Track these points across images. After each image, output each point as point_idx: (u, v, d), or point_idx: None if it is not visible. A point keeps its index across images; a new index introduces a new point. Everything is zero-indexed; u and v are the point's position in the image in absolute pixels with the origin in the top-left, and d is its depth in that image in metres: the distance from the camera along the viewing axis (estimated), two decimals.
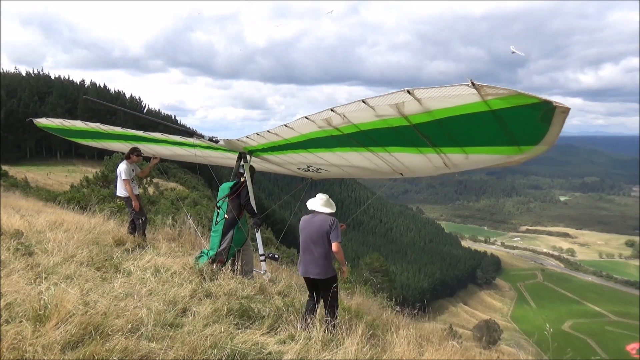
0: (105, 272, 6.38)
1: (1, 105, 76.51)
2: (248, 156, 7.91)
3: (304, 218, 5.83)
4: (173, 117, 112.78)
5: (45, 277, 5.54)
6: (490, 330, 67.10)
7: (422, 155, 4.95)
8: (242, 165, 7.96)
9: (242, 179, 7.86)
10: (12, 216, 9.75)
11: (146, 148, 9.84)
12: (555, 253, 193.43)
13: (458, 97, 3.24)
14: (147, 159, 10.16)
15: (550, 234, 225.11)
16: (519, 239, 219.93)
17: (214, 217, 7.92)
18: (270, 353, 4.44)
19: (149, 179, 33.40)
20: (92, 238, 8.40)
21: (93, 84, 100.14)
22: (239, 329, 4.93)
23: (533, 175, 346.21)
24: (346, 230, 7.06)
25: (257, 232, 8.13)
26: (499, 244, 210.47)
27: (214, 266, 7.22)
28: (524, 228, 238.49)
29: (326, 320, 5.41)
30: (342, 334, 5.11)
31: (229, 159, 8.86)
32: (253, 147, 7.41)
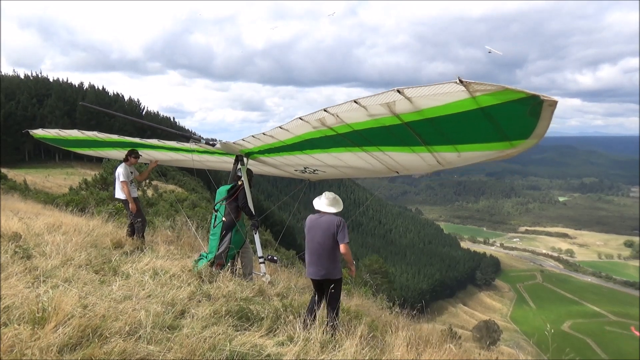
0: (104, 275, 6.38)
1: (0, 107, 76.43)
2: (245, 159, 7.91)
3: (309, 217, 5.76)
4: (172, 119, 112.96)
5: (44, 280, 5.53)
6: (489, 330, 67.16)
7: (415, 155, 4.98)
8: (240, 168, 7.97)
9: (240, 182, 7.86)
10: (10, 219, 9.74)
11: (144, 154, 9.82)
12: (555, 254, 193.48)
13: (447, 95, 3.26)
14: (145, 162, 10.16)
15: (549, 234, 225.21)
16: (518, 239, 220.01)
17: (212, 220, 7.92)
18: (269, 355, 4.44)
19: (147, 181, 33.36)
20: (90, 241, 8.40)
21: (92, 87, 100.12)
22: (237, 330, 4.93)
23: (532, 176, 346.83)
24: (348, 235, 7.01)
25: (256, 234, 8.12)
26: (498, 244, 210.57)
27: (213, 269, 7.22)
28: (523, 229, 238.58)
29: (327, 321, 5.40)
30: (341, 335, 5.11)
31: (226, 162, 8.87)
32: (250, 150, 7.41)
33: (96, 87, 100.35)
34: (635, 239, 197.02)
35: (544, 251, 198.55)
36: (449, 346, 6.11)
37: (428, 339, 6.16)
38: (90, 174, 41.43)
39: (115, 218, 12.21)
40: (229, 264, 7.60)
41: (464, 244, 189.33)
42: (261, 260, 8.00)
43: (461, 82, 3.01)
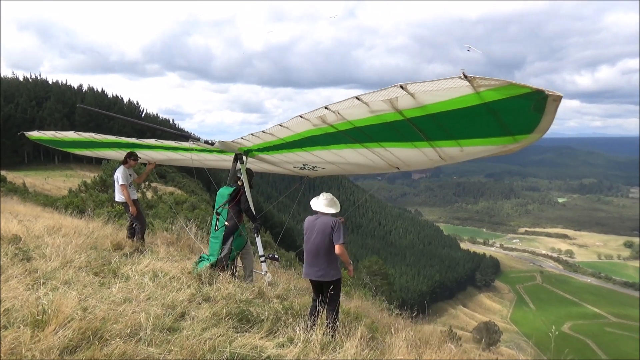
0: (104, 277, 6.37)
1: (0, 110, 76.42)
2: (244, 157, 7.89)
3: (307, 219, 5.77)
4: (171, 121, 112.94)
5: (44, 283, 5.54)
6: (489, 332, 67.09)
7: (417, 150, 4.95)
8: (239, 168, 7.95)
9: (240, 182, 7.85)
10: (10, 221, 9.74)
11: (142, 154, 9.82)
12: (554, 255, 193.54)
13: (451, 90, 3.24)
14: (144, 163, 10.16)
15: (548, 235, 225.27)
16: (517, 240, 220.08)
17: (213, 223, 7.91)
18: (269, 356, 4.44)
19: (147, 183, 33.37)
20: (90, 243, 8.39)
21: (91, 89, 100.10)
22: (237, 332, 4.92)
23: (531, 177, 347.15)
24: (346, 233, 7.00)
25: (257, 236, 8.12)
26: (498, 245, 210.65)
27: (216, 271, 7.21)
28: (522, 230, 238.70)
29: (327, 323, 5.40)
30: (341, 337, 5.11)
31: (225, 161, 8.84)
32: (248, 148, 7.39)
33: (95, 90, 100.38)
34: (635, 239, 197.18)
35: (543, 252, 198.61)
36: (450, 346, 6.12)
37: (428, 340, 6.16)
38: (89, 176, 41.44)
39: (114, 220, 12.21)
40: (230, 266, 7.60)
41: (464, 245, 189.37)
42: (262, 259, 8.00)
43: (465, 77, 2.99)
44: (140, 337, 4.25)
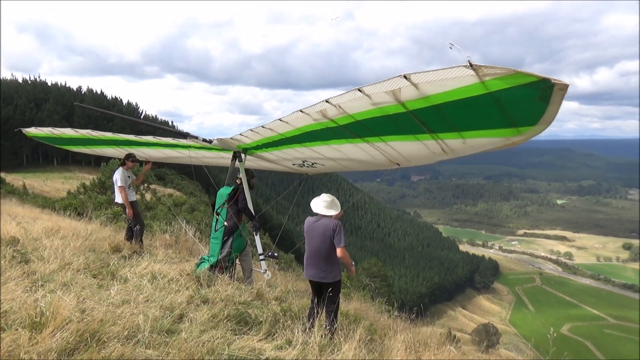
0: (102, 279, 6.36)
1: (1, 112, 76.33)
2: (243, 155, 7.86)
3: (307, 220, 5.76)
4: (170, 123, 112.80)
5: (42, 285, 5.53)
6: (489, 334, 67.13)
7: (419, 143, 4.89)
8: (238, 167, 7.93)
9: (239, 182, 7.84)
10: (8, 223, 9.72)
11: (139, 152, 9.79)
12: (553, 257, 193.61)
13: (455, 80, 3.20)
14: (142, 163, 10.15)
15: (547, 237, 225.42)
16: (516, 242, 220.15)
17: (213, 224, 7.91)
18: (267, 359, 4.43)
19: (146, 184, 33.35)
20: (88, 245, 8.39)
21: (90, 91, 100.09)
22: (236, 334, 4.91)
23: (530, 179, 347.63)
24: (346, 236, 6.95)
25: (256, 235, 8.11)
26: (497, 247, 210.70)
27: (215, 273, 7.20)
28: (521, 232, 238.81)
29: (325, 325, 5.40)
30: (340, 339, 5.10)
31: (223, 158, 8.78)
32: (247, 145, 7.35)
33: (94, 91, 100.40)
34: (634, 241, 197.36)
35: (542, 254, 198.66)
36: (449, 348, 6.11)
37: (427, 342, 6.15)
38: (88, 178, 41.39)
39: (113, 222, 12.20)
40: (229, 268, 7.59)
41: (463, 247, 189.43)
42: (262, 257, 7.98)
43: (471, 65, 2.94)
44: (138, 340, 4.24)
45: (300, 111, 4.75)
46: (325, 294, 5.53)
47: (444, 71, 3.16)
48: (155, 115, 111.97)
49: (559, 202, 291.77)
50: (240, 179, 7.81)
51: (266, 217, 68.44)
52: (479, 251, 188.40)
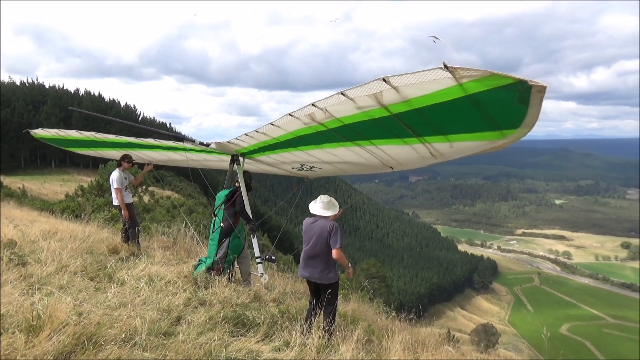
0: (99, 282, 6.35)
1: (1, 114, 76.22)
2: (241, 159, 7.88)
3: (305, 221, 5.77)
4: (168, 125, 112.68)
5: (39, 288, 5.52)
6: (488, 334, 67.02)
7: (407, 147, 4.87)
8: (236, 170, 7.95)
9: (237, 184, 7.86)
10: (5, 226, 9.70)
11: (142, 154, 9.84)
12: (552, 256, 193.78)
13: (434, 83, 3.15)
14: (142, 166, 10.15)
15: (546, 237, 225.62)
16: (515, 242, 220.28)
17: (211, 226, 7.92)
18: None
19: (144, 187, 33.32)
20: (86, 247, 8.37)
21: (87, 93, 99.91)
22: (233, 336, 4.91)
23: (528, 179, 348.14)
24: (343, 236, 6.91)
25: (253, 238, 8.11)
26: (495, 247, 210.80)
27: (212, 275, 7.20)
28: (519, 231, 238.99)
29: (323, 326, 5.40)
30: (338, 340, 5.10)
31: (224, 161, 8.82)
32: (245, 149, 7.38)
33: (92, 93, 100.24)
34: (632, 240, 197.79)
35: (541, 253, 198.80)
36: (447, 349, 6.12)
37: (425, 342, 6.16)
38: (86, 180, 41.29)
39: (111, 224, 12.17)
40: (226, 270, 7.59)
41: (461, 247, 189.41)
42: (259, 260, 7.99)
43: (446, 67, 2.88)
44: (136, 342, 4.24)
45: (290, 115, 4.71)
46: (323, 296, 5.53)
47: (422, 74, 3.12)
48: (153, 117, 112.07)
49: (557, 201, 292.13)
50: (239, 181, 7.83)
51: (264, 219, 68.41)
52: (477, 251, 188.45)
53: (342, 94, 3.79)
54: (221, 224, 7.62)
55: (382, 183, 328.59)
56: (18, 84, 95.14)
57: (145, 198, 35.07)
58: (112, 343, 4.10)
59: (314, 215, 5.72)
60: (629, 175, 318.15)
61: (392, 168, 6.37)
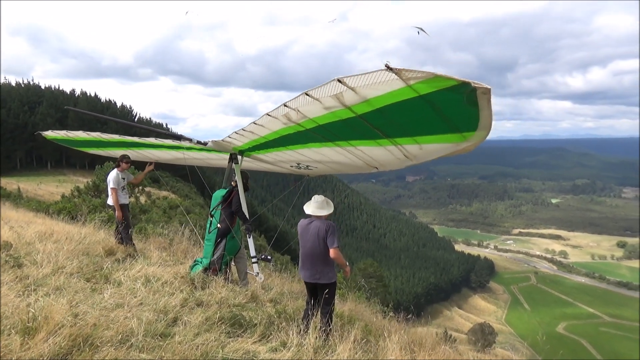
0: (96, 283, 6.33)
1: (0, 115, 75.91)
2: (239, 157, 7.88)
3: (301, 223, 5.77)
4: (165, 126, 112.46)
5: (34, 289, 5.50)
6: (485, 333, 67.19)
7: (382, 148, 4.84)
8: (234, 169, 7.94)
9: (234, 184, 7.86)
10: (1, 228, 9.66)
11: (147, 153, 9.92)
12: (548, 255, 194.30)
13: (385, 84, 3.10)
14: (139, 166, 10.17)
15: (542, 236, 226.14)
16: (511, 242, 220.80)
17: (207, 226, 7.92)
18: None
19: (141, 187, 33.22)
20: (82, 248, 8.33)
21: (83, 94, 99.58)
22: (230, 337, 4.91)
23: (525, 179, 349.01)
24: (340, 237, 6.97)
25: (250, 238, 8.11)
26: (492, 247, 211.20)
27: (208, 275, 7.20)
28: (516, 231, 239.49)
29: (321, 326, 5.40)
30: (335, 340, 5.10)
31: (225, 159, 8.86)
32: (241, 147, 7.38)
33: (88, 94, 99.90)
34: (628, 239, 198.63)
35: (537, 253, 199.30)
36: (444, 348, 6.13)
37: (422, 342, 6.17)
38: (82, 181, 41.14)
39: (107, 226, 12.14)
40: (223, 270, 7.59)
41: (458, 247, 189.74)
42: (254, 260, 7.99)
43: (390, 69, 2.85)
44: (132, 343, 4.23)
45: (268, 114, 4.69)
46: (321, 296, 5.53)
47: (370, 75, 3.08)
48: (150, 118, 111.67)
49: (554, 201, 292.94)
50: (236, 181, 7.82)
51: (261, 219, 68.34)
52: (474, 251, 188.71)
53: (306, 94, 3.75)
54: (218, 225, 7.62)
55: (379, 183, 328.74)
56: (14, 84, 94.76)
57: (142, 199, 34.98)
58: (109, 344, 4.08)
59: (309, 216, 5.72)
60: (625, 175, 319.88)
61: (377, 168, 6.39)
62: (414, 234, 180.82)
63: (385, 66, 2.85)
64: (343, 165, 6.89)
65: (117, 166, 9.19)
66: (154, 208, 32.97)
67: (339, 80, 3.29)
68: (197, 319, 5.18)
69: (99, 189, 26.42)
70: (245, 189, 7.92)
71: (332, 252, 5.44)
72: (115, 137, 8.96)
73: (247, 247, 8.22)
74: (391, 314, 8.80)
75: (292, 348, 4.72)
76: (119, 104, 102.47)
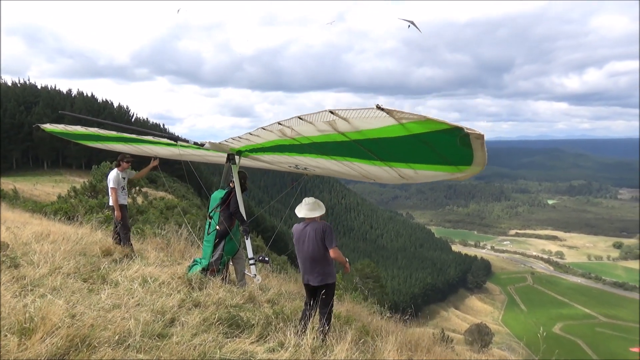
0: (93, 284, 6.32)
1: (1, 114, 75.63)
2: (237, 157, 7.88)
3: (295, 227, 5.78)
4: (162, 126, 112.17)
5: (31, 290, 5.47)
6: (481, 334, 67.27)
7: (378, 167, 4.86)
8: (231, 170, 7.94)
9: (231, 184, 7.86)
10: None
11: (145, 148, 9.90)
12: (545, 256, 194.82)
13: (377, 119, 3.10)
14: (143, 165, 10.14)
15: (539, 237, 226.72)
16: (508, 242, 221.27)
17: (206, 227, 7.92)
18: None
19: (137, 187, 33.17)
20: (79, 249, 8.31)
21: (80, 94, 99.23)
22: (228, 338, 4.91)
23: (521, 180, 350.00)
24: (337, 237, 7.00)
25: (247, 239, 8.11)
26: (489, 247, 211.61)
27: (207, 276, 7.20)
28: (513, 232, 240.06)
29: (318, 327, 5.41)
30: (332, 341, 5.11)
31: (223, 157, 8.88)
32: (238, 149, 7.39)
33: (85, 94, 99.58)
34: (624, 240, 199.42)
35: (534, 253, 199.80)
36: (441, 348, 6.15)
37: (419, 342, 6.18)
38: (79, 181, 41.03)
39: (104, 226, 12.11)
40: (221, 271, 7.59)
41: (455, 248, 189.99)
42: (252, 261, 7.99)
43: (381, 109, 2.86)
44: (129, 344, 4.22)
45: (263, 128, 4.71)
46: (319, 297, 5.55)
47: (362, 111, 3.09)
48: (147, 118, 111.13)
49: (550, 202, 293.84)
50: (233, 182, 7.82)
51: (258, 220, 68.29)
52: (471, 251, 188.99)
53: (299, 118, 3.76)
54: (217, 227, 7.63)
55: (376, 183, 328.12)
56: (10, 84, 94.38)
57: (139, 199, 34.90)
58: (106, 345, 4.07)
59: (302, 220, 5.74)
60: (621, 176, 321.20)
61: (374, 180, 6.41)
62: (411, 235, 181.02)
63: (376, 106, 2.86)
64: (340, 173, 6.93)
65: (118, 166, 9.18)
66: (151, 209, 32.88)
67: (331, 112, 3.31)
68: (195, 319, 5.17)
69: (96, 189, 26.35)
70: (243, 189, 7.92)
71: (332, 253, 5.49)
72: (113, 133, 8.97)
73: (245, 248, 8.23)
74: (388, 314, 8.82)
75: (290, 348, 4.73)
76: (115, 104, 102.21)
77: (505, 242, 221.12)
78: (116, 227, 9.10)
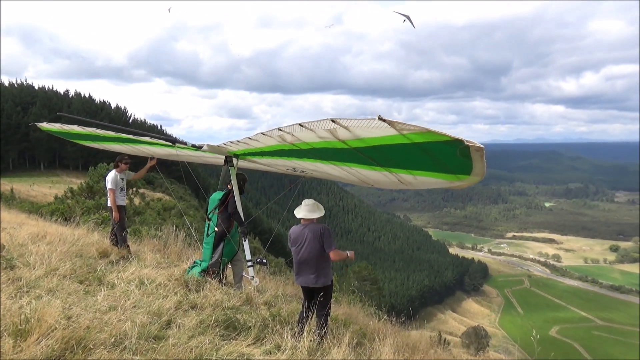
0: (89, 285, 6.30)
1: (0, 115, 75.38)
2: (234, 160, 7.88)
3: (293, 229, 5.79)
4: (159, 127, 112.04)
5: (27, 291, 5.45)
6: (478, 336, 67.32)
7: (378, 172, 4.92)
8: (230, 171, 7.93)
9: (230, 186, 7.85)
10: None
11: (143, 148, 9.88)
12: (542, 259, 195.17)
13: (378, 129, 3.15)
14: (140, 166, 10.12)
15: (535, 240, 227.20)
16: (505, 245, 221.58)
17: (205, 229, 7.91)
18: None
19: (134, 188, 33.10)
20: (75, 250, 8.29)
21: (77, 94, 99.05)
22: (224, 340, 4.90)
23: (518, 182, 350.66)
24: (335, 239, 7.03)
25: (245, 240, 8.10)
26: (486, 250, 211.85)
27: (204, 277, 7.19)
28: (510, 234, 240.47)
29: (315, 329, 5.40)
30: (329, 343, 5.11)
31: (220, 158, 8.88)
32: (236, 152, 7.40)
33: (82, 95, 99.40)
34: (620, 243, 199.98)
35: (531, 256, 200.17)
36: (437, 351, 6.14)
37: (416, 345, 6.18)
38: (75, 182, 40.93)
39: (101, 227, 12.07)
40: (219, 274, 7.58)
41: (452, 250, 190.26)
42: (250, 263, 7.97)
43: (383, 120, 2.91)
44: (125, 346, 4.21)
45: (262, 134, 4.75)
46: (316, 299, 5.55)
47: (364, 121, 3.14)
48: (144, 119, 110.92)
49: (547, 204, 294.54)
50: (232, 183, 7.82)
51: (256, 222, 68.22)
52: (468, 254, 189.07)
53: (300, 125, 3.80)
54: (216, 229, 7.62)
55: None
56: (7, 85, 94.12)
57: (136, 200, 34.83)
58: (102, 347, 4.06)
59: (299, 222, 5.74)
60: (618, 179, 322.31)
61: (372, 185, 6.45)
62: (409, 237, 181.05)
63: (378, 117, 2.91)
64: (338, 178, 6.96)
65: (116, 167, 9.16)
66: (148, 210, 32.80)
67: (332, 120, 3.35)
68: (191, 321, 5.16)
69: (93, 190, 26.26)
70: (241, 191, 7.92)
71: (332, 255, 5.53)
72: (110, 133, 8.96)
73: (243, 250, 8.21)
74: (385, 317, 8.81)
75: (287, 351, 4.72)
76: (113, 105, 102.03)
77: (502, 245, 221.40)
78: (113, 228, 9.08)
